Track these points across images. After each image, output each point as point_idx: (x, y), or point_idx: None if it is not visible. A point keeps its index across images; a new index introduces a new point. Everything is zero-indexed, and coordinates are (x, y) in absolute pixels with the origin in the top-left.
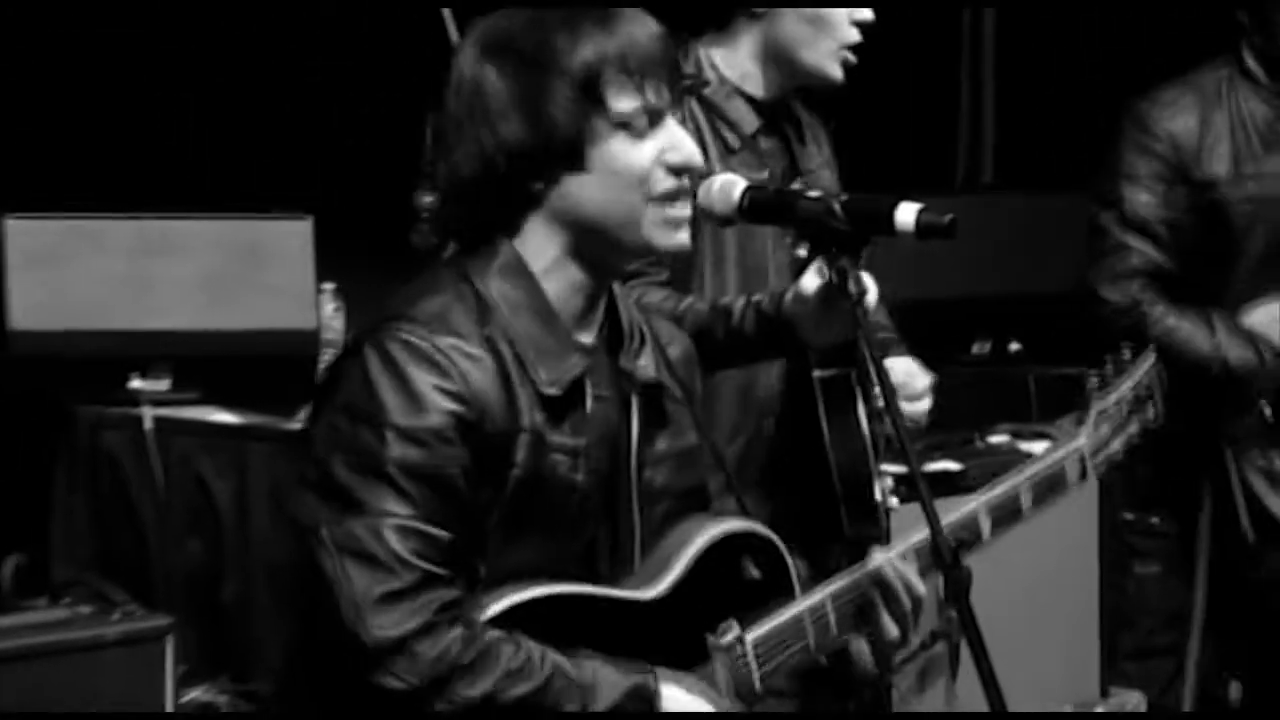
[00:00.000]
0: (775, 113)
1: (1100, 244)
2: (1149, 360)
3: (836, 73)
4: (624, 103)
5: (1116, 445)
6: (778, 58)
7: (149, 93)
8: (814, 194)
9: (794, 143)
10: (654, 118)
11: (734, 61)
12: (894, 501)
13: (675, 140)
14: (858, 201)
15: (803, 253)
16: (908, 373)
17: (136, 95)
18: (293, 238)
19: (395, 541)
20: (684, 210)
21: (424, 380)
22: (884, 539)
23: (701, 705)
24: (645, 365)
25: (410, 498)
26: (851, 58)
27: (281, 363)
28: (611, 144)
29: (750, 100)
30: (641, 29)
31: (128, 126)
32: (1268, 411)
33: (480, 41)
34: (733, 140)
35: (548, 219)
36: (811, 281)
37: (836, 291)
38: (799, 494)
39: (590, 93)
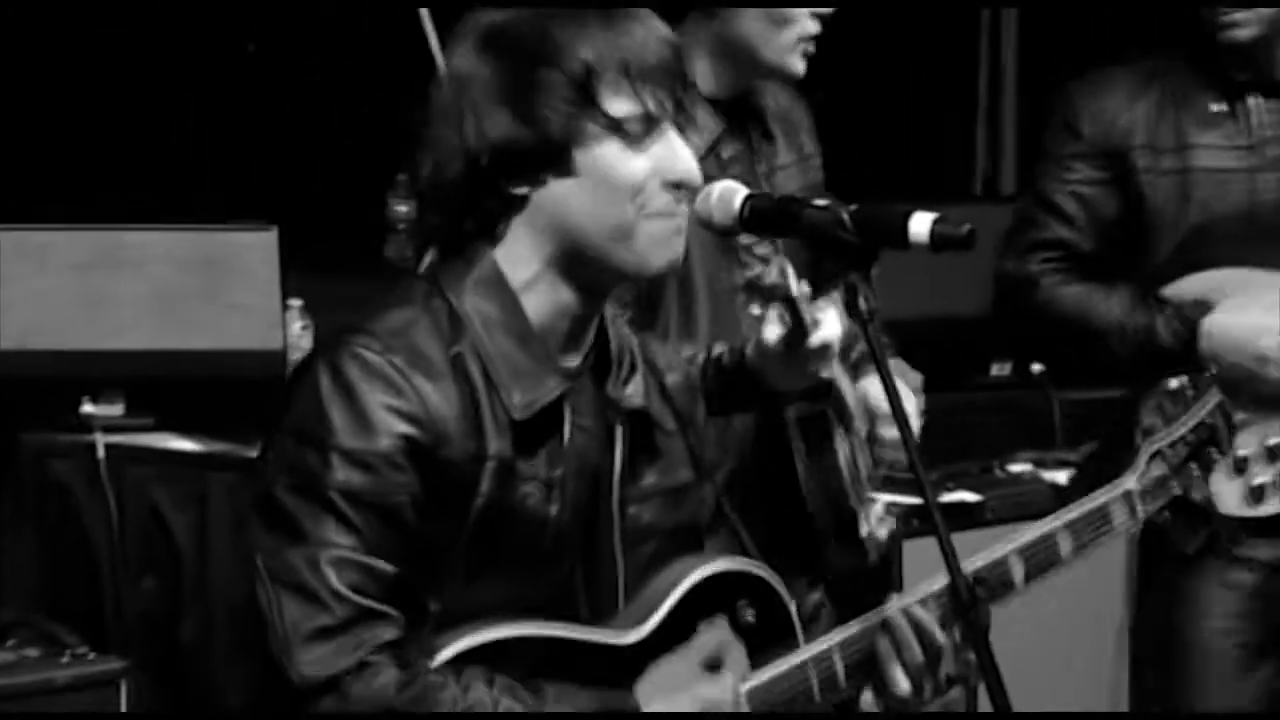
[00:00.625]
0: (736, 112)
1: (1013, 221)
2: (1214, 400)
3: (798, 67)
4: (620, 106)
5: (1175, 488)
6: (735, 56)
7: (99, 95)
8: (821, 203)
9: (755, 141)
10: (651, 127)
11: (689, 64)
12: (883, 532)
13: (674, 153)
14: (868, 211)
15: (756, 310)
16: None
17: (85, 97)
18: (256, 250)
19: (332, 574)
20: (675, 225)
21: (375, 400)
22: (871, 570)
23: (696, 696)
24: (633, 393)
25: (353, 527)
26: (812, 49)
27: (244, 386)
28: (603, 149)
29: (709, 103)
30: (648, 32)
31: (77, 130)
32: (1174, 384)
33: (475, 33)
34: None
35: (531, 227)
36: (772, 331)
37: (847, 309)
38: (776, 531)
39: (585, 92)
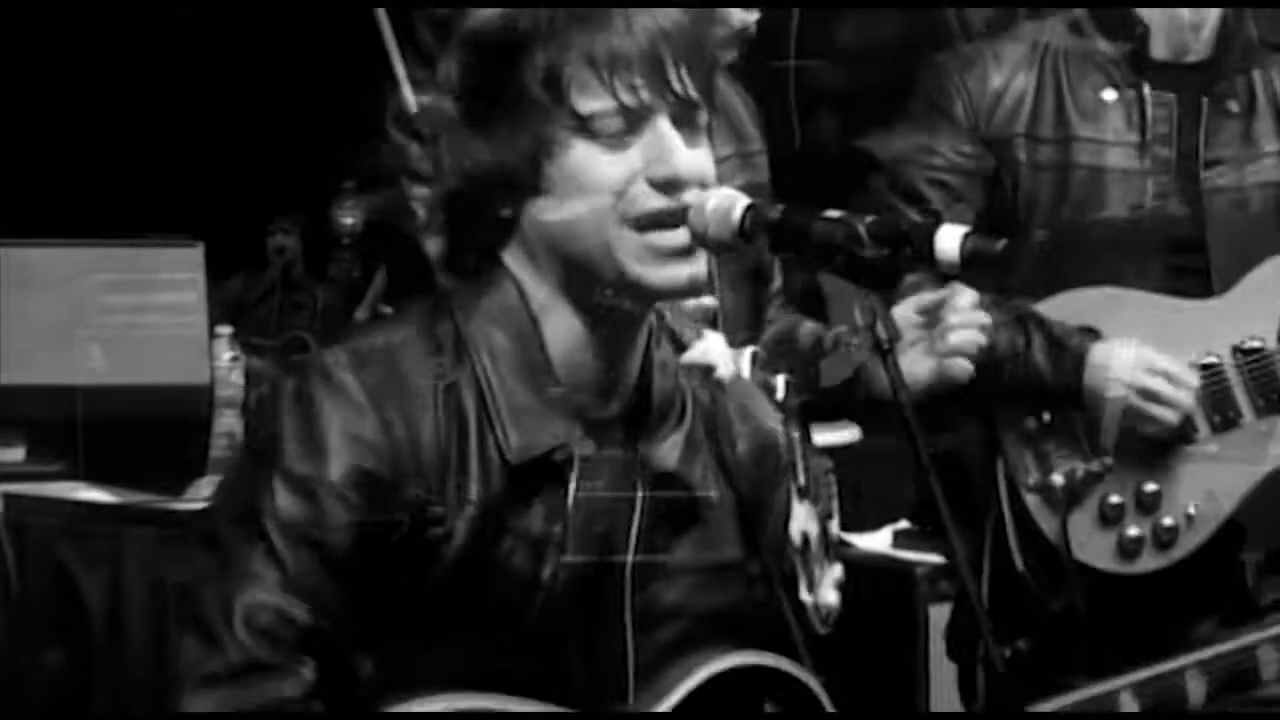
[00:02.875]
0: None
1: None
2: None
3: (730, 55)
4: (589, 103)
5: None
6: None
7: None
8: (834, 213)
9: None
10: (635, 122)
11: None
12: (833, 599)
13: (662, 149)
14: (889, 223)
15: None
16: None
17: None
18: (180, 269)
19: (241, 615)
20: (675, 238)
21: (332, 422)
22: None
23: None
24: (665, 453)
25: (282, 564)
26: (752, 31)
27: (165, 427)
28: (574, 154)
29: None
30: (625, 21)
31: None
32: (1045, 416)
33: (438, 44)
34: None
35: (527, 251)
36: None
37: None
38: None
39: (550, 92)
